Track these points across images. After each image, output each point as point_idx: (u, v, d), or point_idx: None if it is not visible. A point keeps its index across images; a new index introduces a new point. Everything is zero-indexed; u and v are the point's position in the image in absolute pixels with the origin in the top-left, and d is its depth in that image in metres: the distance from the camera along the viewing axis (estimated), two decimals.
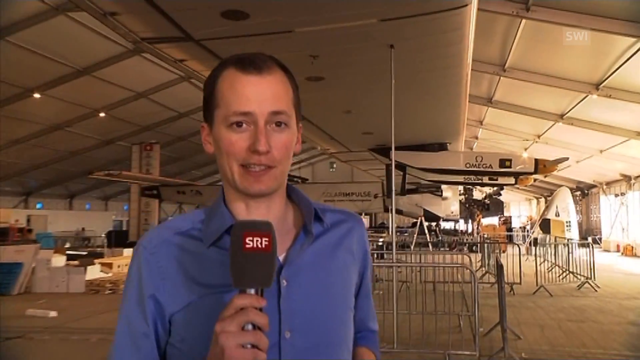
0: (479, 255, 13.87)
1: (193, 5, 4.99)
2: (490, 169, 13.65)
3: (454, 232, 26.44)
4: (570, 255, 12.11)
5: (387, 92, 6.88)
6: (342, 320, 0.98)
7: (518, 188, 30.54)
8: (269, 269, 0.79)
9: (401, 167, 14.43)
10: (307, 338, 0.90)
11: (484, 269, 12.05)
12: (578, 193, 26.89)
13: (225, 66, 0.94)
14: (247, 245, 0.77)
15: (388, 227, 22.95)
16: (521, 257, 11.07)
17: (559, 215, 18.13)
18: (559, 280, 11.25)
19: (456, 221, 25.98)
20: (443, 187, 19.55)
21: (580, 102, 12.99)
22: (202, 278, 0.91)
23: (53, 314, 8.08)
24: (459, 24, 5.85)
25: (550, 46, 10.70)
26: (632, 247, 20.46)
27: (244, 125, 0.90)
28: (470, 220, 24.22)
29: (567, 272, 11.60)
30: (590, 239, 18.46)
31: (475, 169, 13.66)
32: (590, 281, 10.55)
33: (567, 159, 14.16)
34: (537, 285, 10.13)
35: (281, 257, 0.94)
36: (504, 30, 10.85)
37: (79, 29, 11.82)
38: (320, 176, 32.20)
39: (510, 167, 13.56)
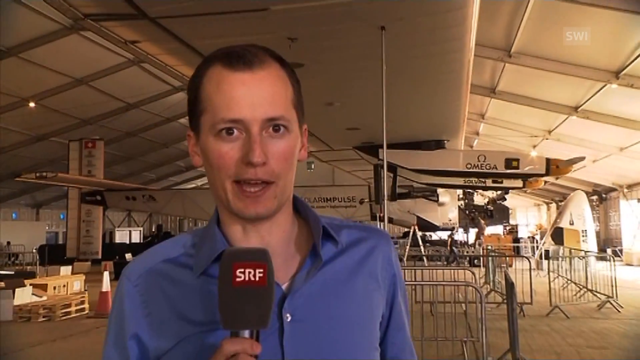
0: (482, 270, 14.08)
1: None
2: (494, 170, 13.92)
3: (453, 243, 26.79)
4: (588, 270, 12.40)
5: (376, 82, 6.95)
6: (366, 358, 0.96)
7: (526, 192, 31.23)
8: (265, 307, 0.77)
9: (391, 168, 14.58)
10: None
11: (488, 286, 12.24)
12: (595, 197, 27.58)
13: (210, 63, 0.92)
14: (238, 279, 0.76)
15: None
16: (531, 272, 11.28)
17: (573, 223, 18.58)
18: (576, 300, 11.49)
19: (454, 230, 26.34)
20: (439, 191, 19.79)
21: (597, 92, 13.31)
22: (191, 313, 0.90)
23: None
24: (461, 2, 5.95)
25: (563, 28, 10.93)
26: None
27: (235, 132, 0.88)
28: (474, 229, 24.57)
29: (585, 290, 11.87)
30: (609, 251, 18.95)
31: (477, 170, 13.91)
32: (612, 300, 10.80)
33: (583, 158, 14.50)
34: (550, 305, 10.32)
35: (284, 286, 0.92)
36: (510, 10, 11.05)
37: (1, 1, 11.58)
38: (296, 178, 32.07)
39: (517, 167, 13.85)
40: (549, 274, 11.93)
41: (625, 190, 24.02)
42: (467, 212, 23.94)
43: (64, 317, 10.39)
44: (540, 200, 38.16)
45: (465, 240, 28.23)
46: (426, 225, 20.90)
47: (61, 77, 15.97)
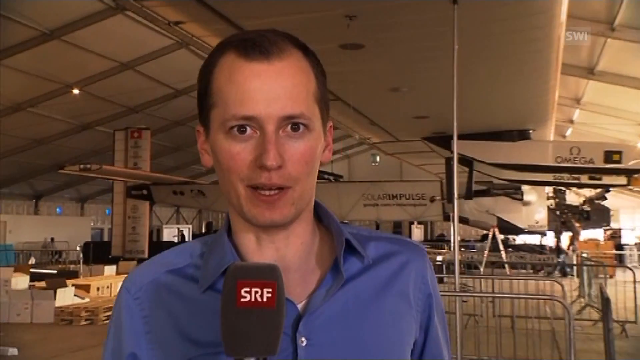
0: (577, 281, 13.60)
1: None
2: (590, 165, 13.37)
3: (540, 248, 25.97)
4: None
5: (448, 64, 6.81)
6: None
7: (632, 190, 29.73)
8: (273, 333, 0.76)
9: (467, 161, 14.32)
10: None
11: (582, 300, 11.81)
12: None
13: (223, 50, 0.92)
14: (242, 299, 0.75)
15: (449, 241, 22.76)
16: (636, 285, 10.77)
17: None
18: None
19: (543, 234, 25.49)
20: (524, 188, 19.24)
21: None
22: (195, 333, 0.91)
23: (13, 351, 8.35)
24: None
25: None
26: None
27: (248, 130, 0.88)
28: (569, 232, 23.74)
29: None
30: None
31: (569, 164, 13.40)
32: None
33: None
34: None
35: (301, 306, 0.92)
36: None
37: None
38: (359, 172, 32.26)
39: (619, 161, 13.23)
40: None
41: None
42: (557, 213, 23.09)
43: (107, 321, 10.89)
44: None
45: (556, 245, 27.31)
46: (508, 228, 20.32)
47: (106, 61, 16.58)
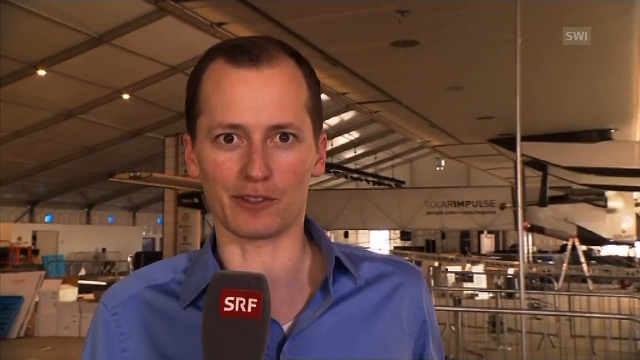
0: None
1: None
2: None
3: (628, 260, 24.94)
4: None
5: (514, 60, 6.68)
6: None
7: None
8: (257, 345, 0.75)
9: (540, 165, 13.95)
10: None
11: None
12: None
13: (212, 56, 0.94)
14: (226, 309, 0.75)
15: (523, 252, 22.15)
16: None
17: None
18: None
19: (631, 245, 24.46)
20: (608, 194, 18.56)
21: None
22: (173, 352, 0.92)
23: None
24: None
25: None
26: None
27: (235, 139, 0.90)
28: None
29: None
30: None
31: None
32: None
33: None
34: None
35: (286, 327, 0.92)
36: None
37: None
38: (422, 178, 31.91)
39: None
40: None
41: None
42: None
43: None
44: None
45: None
46: (591, 238, 19.61)
47: (155, 65, 17.00)
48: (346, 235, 33.27)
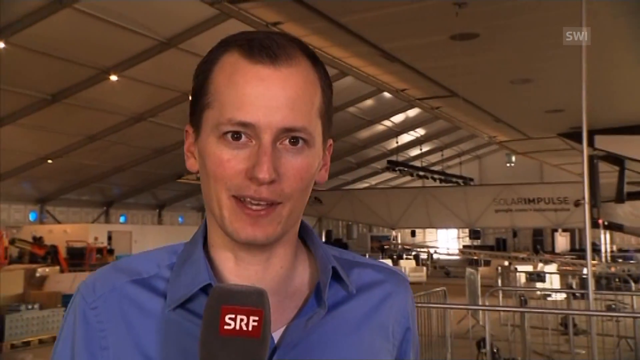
0: None
1: None
2: None
3: None
4: None
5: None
6: None
7: None
8: None
9: (617, 160, 13.40)
10: None
11: None
12: None
13: (226, 48, 0.91)
14: (226, 327, 0.74)
15: (600, 251, 21.44)
16: None
17: None
18: None
19: None
20: None
21: None
22: (159, 354, 0.89)
23: None
24: None
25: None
26: None
27: (243, 137, 0.87)
28: None
29: None
30: None
31: None
32: None
33: None
34: None
35: (277, 335, 0.90)
36: None
37: None
38: (491, 174, 31.24)
39: None
40: None
41: None
42: None
43: None
44: None
45: None
46: None
47: None
48: (413, 234, 33.00)
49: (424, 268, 21.93)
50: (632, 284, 14.20)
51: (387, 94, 16.02)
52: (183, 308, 0.90)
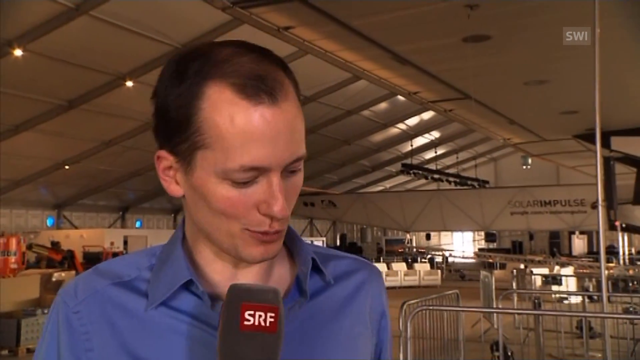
0: None
1: None
2: None
3: None
4: None
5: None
6: None
7: None
8: (272, 357, 0.78)
9: (634, 161, 13.29)
10: None
11: None
12: None
13: (211, 78, 0.86)
14: (246, 323, 0.77)
15: (618, 253, 21.24)
16: None
17: None
18: None
19: None
20: None
21: None
22: (145, 352, 0.90)
23: None
24: None
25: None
26: None
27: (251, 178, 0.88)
28: None
29: None
30: None
31: None
32: None
33: None
34: None
35: None
36: None
37: None
38: (507, 177, 31.07)
39: None
40: None
41: None
42: None
43: None
44: None
45: None
46: None
47: None
48: (428, 237, 32.87)
49: (439, 271, 21.88)
50: None
51: (401, 97, 16.03)
52: (166, 306, 0.91)
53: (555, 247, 28.86)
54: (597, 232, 21.75)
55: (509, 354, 7.88)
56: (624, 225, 16.75)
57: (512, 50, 7.56)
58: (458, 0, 6.08)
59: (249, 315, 0.77)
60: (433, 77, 8.50)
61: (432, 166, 27.42)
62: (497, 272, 17.79)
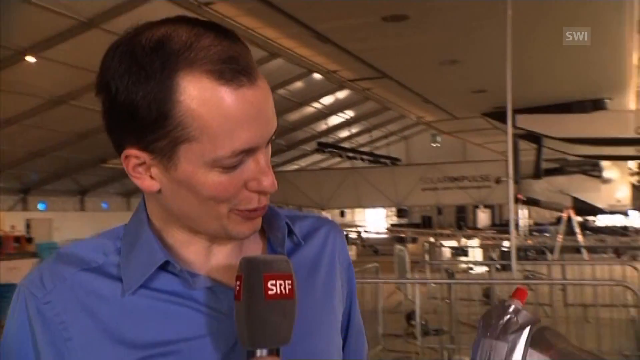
0: None
1: None
2: None
3: (623, 230, 25.20)
4: None
5: (504, 31, 6.72)
6: None
7: None
8: (292, 321, 0.84)
9: (534, 137, 14.01)
10: None
11: None
12: None
13: (181, 69, 0.82)
14: (270, 292, 0.82)
15: (519, 225, 22.39)
16: None
17: None
18: None
19: (625, 214, 24.65)
20: (603, 164, 18.67)
21: None
22: (129, 335, 0.89)
23: None
24: None
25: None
26: None
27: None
28: None
29: None
30: None
31: None
32: None
33: None
34: None
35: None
36: None
37: None
38: (417, 154, 31.93)
39: None
40: None
41: None
42: None
43: None
44: None
45: None
46: (586, 209, 19.76)
47: None
48: (342, 214, 33.38)
49: (354, 247, 22.31)
50: (549, 255, 14.98)
51: (316, 76, 16.10)
52: (144, 288, 0.91)
53: (462, 221, 30.13)
54: (500, 206, 22.90)
55: (424, 322, 8.24)
56: (525, 199, 17.68)
57: (428, 31, 7.77)
58: None
59: (272, 285, 0.81)
60: (352, 55, 8.63)
61: (346, 145, 27.79)
62: (410, 246, 18.40)
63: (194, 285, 0.91)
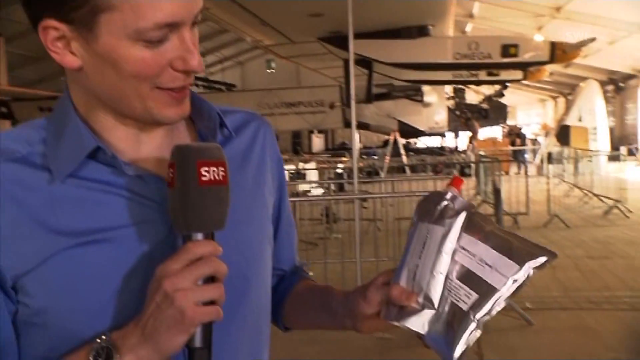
0: (475, 179, 14.51)
1: None
2: (489, 60, 13.93)
3: (440, 150, 27.27)
4: (595, 173, 12.81)
5: None
6: (260, 257, 1.04)
7: (528, 85, 31.53)
8: (226, 207, 0.85)
9: (366, 63, 14.45)
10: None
11: (479, 197, 12.66)
12: (610, 87, 28.02)
13: None
14: (204, 178, 0.82)
15: (350, 149, 23.35)
16: (529, 179, 11.68)
17: (582, 120, 19.04)
18: (579, 207, 12.05)
19: (442, 135, 26.62)
20: (424, 89, 19.87)
21: None
22: (60, 223, 0.87)
23: None
24: None
25: None
26: None
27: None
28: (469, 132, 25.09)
29: (590, 195, 12.40)
30: (623, 150, 19.52)
31: (468, 60, 13.89)
32: (619, 205, 11.36)
33: (593, 39, 14.56)
34: (549, 214, 10.82)
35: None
36: None
37: None
38: (253, 81, 31.82)
39: (516, 55, 13.86)
40: (547, 179, 12.38)
41: None
42: (457, 113, 24.19)
43: None
44: (546, 94, 38.73)
45: (456, 146, 28.83)
46: (409, 131, 21.08)
47: None
48: None
49: None
50: (382, 174, 15.86)
51: None
52: (74, 177, 0.89)
53: (298, 146, 30.87)
54: (333, 131, 23.56)
55: None
56: (356, 123, 18.39)
57: None
58: None
59: (205, 171, 0.82)
60: None
61: None
62: None
63: (126, 171, 0.89)
